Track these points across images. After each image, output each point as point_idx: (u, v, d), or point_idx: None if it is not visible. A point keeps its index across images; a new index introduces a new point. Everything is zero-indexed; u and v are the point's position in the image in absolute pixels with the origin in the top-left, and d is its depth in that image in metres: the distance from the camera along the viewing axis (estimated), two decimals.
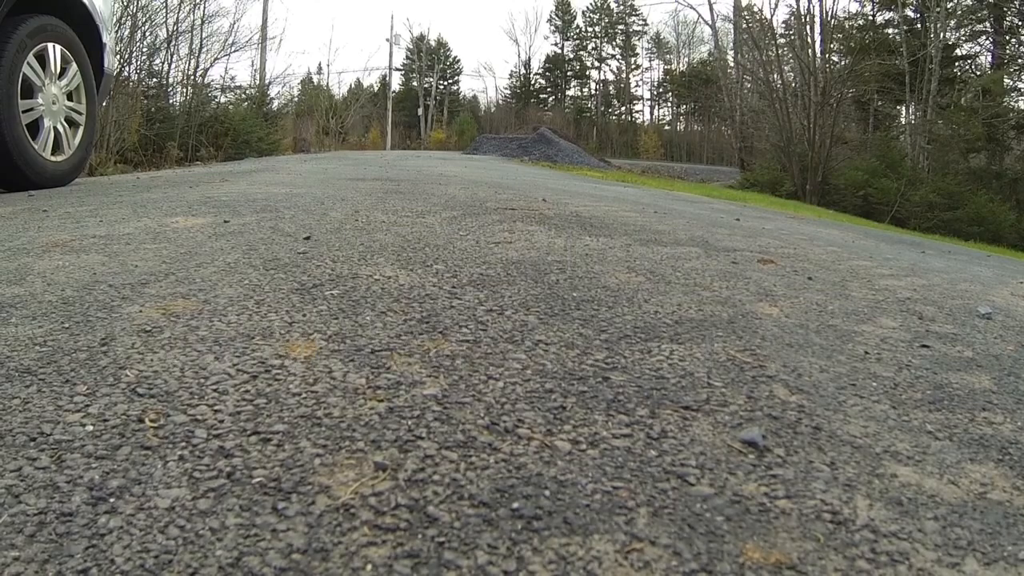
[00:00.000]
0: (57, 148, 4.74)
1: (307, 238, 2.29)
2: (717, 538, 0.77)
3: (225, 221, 2.61)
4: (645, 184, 12.94)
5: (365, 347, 1.26)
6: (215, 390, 1.05)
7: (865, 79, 26.62)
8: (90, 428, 0.94)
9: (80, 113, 5.03)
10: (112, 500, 0.77)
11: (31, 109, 4.44)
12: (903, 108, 30.31)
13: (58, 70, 4.74)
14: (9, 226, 2.51)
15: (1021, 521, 0.87)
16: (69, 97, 4.91)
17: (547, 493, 0.84)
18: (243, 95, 24.23)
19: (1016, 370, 1.54)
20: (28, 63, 4.40)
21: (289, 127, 28.12)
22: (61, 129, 4.77)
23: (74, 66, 4.89)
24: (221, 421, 0.96)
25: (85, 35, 5.05)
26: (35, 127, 4.46)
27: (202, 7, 20.50)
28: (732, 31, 34.96)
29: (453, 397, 1.08)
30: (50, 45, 4.63)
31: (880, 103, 30.38)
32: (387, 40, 52.43)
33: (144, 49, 19.06)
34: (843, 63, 27.62)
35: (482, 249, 2.25)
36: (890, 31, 33.33)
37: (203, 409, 0.99)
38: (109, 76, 5.58)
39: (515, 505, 0.81)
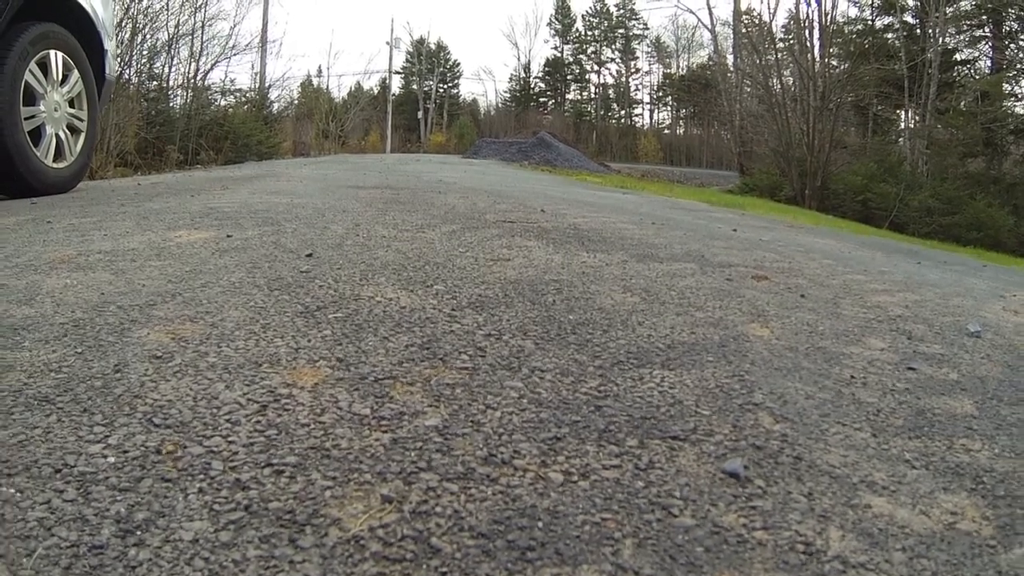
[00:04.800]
0: (59, 155, 4.77)
1: (309, 255, 2.34)
2: (696, 568, 0.83)
3: (228, 235, 2.66)
4: (644, 190, 12.97)
5: (369, 375, 1.31)
6: (228, 420, 1.11)
7: (864, 84, 26.67)
8: (112, 460, 0.99)
9: (82, 120, 5.06)
10: (139, 533, 0.83)
11: (33, 116, 4.48)
12: (902, 112, 30.35)
13: (60, 77, 4.77)
14: (14, 239, 2.56)
15: (986, 552, 0.93)
16: (71, 104, 4.94)
17: (540, 524, 0.90)
18: (243, 98, 24.26)
19: (999, 393, 1.59)
20: (30, 70, 4.44)
21: (289, 130, 28.15)
22: (63, 136, 4.80)
23: (76, 73, 4.93)
24: (235, 453, 1.01)
25: (87, 41, 5.08)
26: (37, 134, 4.49)
27: (203, 11, 20.53)
28: (732, 36, 35.00)
29: (453, 428, 1.14)
30: (52, 52, 4.66)
31: (879, 108, 30.42)
32: (387, 43, 52.45)
33: (144, 52, 19.06)
34: (842, 67, 27.66)
35: (481, 267, 2.31)
36: (889, 36, 33.35)
37: (217, 440, 1.05)
38: (110, 82, 5.62)
39: (511, 536, 0.87)
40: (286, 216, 3.25)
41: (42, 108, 4.59)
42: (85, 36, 5.08)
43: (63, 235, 2.64)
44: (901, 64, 28.24)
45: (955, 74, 30.27)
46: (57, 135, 4.74)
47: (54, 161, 4.71)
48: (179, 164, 17.10)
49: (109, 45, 5.53)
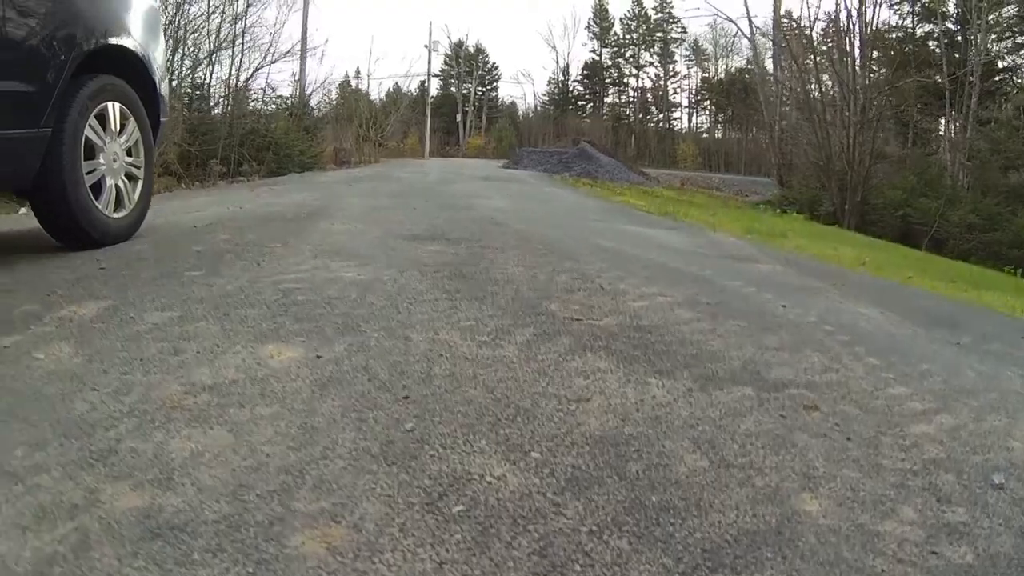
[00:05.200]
0: (119, 204, 4.96)
1: (405, 397, 2.63)
2: None
3: (317, 355, 2.95)
4: (688, 217, 13.12)
5: None
6: None
7: (905, 96, 26.60)
8: None
9: (139, 167, 5.21)
10: None
11: (93, 170, 4.64)
12: (943, 120, 30.20)
13: (118, 127, 4.92)
14: (107, 350, 2.83)
15: None
16: (128, 153, 5.09)
17: None
18: (284, 105, 24.75)
19: None
20: (90, 125, 4.57)
21: (329, 137, 28.70)
22: (122, 186, 4.97)
23: (132, 121, 5.07)
24: None
25: (141, 86, 5.25)
26: (97, 186, 4.67)
27: (243, 20, 21.13)
28: (771, 46, 34.96)
29: None
30: (110, 104, 4.80)
31: (920, 118, 30.30)
32: (425, 47, 52.92)
33: (187, 64, 19.69)
34: (882, 72, 27.54)
35: (566, 416, 2.60)
36: (931, 43, 33.14)
37: None
38: (164, 124, 5.90)
39: None
40: (362, 314, 3.56)
41: (101, 161, 4.74)
42: (139, 81, 5.24)
43: (155, 349, 2.89)
44: (943, 74, 28.15)
45: (997, 80, 30.10)
46: (116, 185, 4.90)
47: (114, 211, 4.89)
48: (222, 175, 17.62)
49: (163, 88, 5.66)
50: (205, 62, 20.80)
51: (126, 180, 5.05)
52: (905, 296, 6.74)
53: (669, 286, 5.04)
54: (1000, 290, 9.94)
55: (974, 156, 24.76)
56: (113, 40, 4.84)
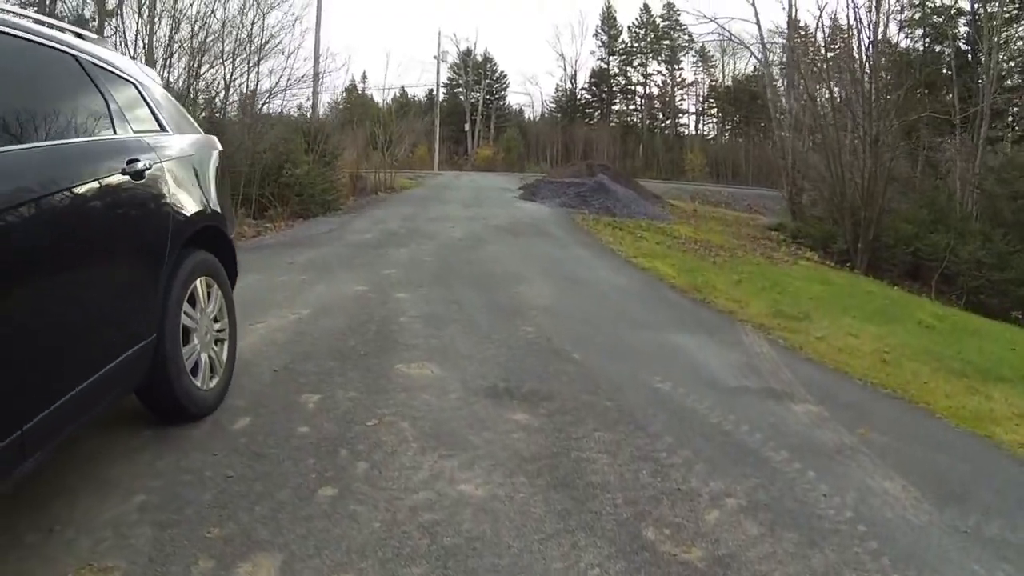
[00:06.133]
0: (212, 373, 4.89)
1: None
2: None
3: None
4: (716, 294, 13.65)
5: None
6: None
7: (915, 124, 27.32)
8: None
9: (224, 330, 5.15)
10: None
11: (191, 355, 4.56)
12: (953, 139, 30.88)
13: (205, 301, 4.81)
14: None
15: None
16: (215, 320, 4.99)
17: None
18: (300, 131, 25.64)
19: None
20: (184, 312, 4.43)
21: (347, 163, 29.80)
22: (213, 356, 4.92)
23: (216, 287, 4.98)
24: None
25: (219, 248, 5.10)
26: (194, 365, 4.59)
27: (257, 60, 21.90)
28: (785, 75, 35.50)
29: None
30: (197, 282, 4.64)
31: (929, 142, 31.00)
32: (434, 57, 53.72)
33: (203, 92, 20.42)
34: (889, 81, 28.14)
35: None
36: (946, 57, 33.83)
37: None
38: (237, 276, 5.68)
39: None
40: (509, 567, 3.90)
41: (195, 341, 4.62)
42: (216, 243, 5.08)
43: None
44: (954, 96, 28.91)
45: (1004, 89, 30.83)
46: (209, 357, 4.83)
47: (209, 382, 4.81)
48: (244, 217, 18.35)
49: (234, 237, 5.53)
50: (221, 91, 21.54)
51: (215, 347, 4.97)
52: (923, 444, 7.13)
53: (730, 475, 5.63)
54: (1008, 380, 10.01)
55: (982, 186, 25.59)
56: (195, 210, 4.68)
